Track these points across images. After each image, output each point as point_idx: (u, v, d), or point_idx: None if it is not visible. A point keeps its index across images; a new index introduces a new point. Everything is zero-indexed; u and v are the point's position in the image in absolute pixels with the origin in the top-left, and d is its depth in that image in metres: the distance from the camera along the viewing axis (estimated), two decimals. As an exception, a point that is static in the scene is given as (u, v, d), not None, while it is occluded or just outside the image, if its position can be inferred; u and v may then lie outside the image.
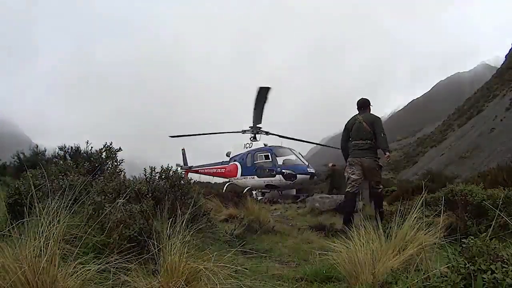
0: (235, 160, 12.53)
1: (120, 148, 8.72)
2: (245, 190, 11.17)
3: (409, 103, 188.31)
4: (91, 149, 8.38)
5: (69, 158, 8.19)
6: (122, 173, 7.31)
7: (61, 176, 4.20)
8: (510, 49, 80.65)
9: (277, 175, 10.52)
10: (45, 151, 11.79)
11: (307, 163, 10.46)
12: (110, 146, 7.84)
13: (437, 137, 70.73)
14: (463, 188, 4.80)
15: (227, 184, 12.33)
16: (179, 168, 15.67)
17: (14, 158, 11.74)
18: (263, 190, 11.71)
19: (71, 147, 8.91)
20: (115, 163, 7.51)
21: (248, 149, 12.28)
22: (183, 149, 18.61)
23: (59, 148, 9.26)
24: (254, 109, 10.54)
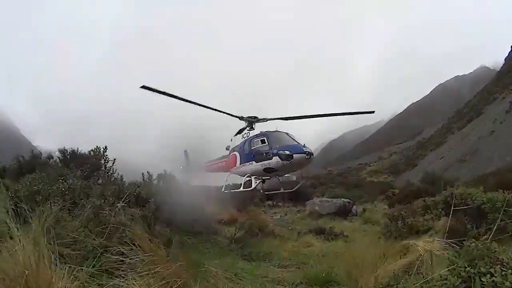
0: (234, 151, 12.64)
1: (113, 161, 8.77)
2: (245, 177, 11.29)
3: (408, 106, 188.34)
4: (89, 153, 8.45)
5: (67, 161, 8.23)
6: (120, 176, 7.34)
7: (60, 180, 4.20)
8: (509, 52, 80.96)
9: (273, 157, 10.66)
10: (41, 154, 11.84)
11: (303, 144, 10.57)
12: (98, 148, 7.88)
13: (437, 140, 70.66)
14: (463, 192, 4.80)
15: (227, 176, 12.40)
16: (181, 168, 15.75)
17: (13, 161, 11.75)
18: (263, 178, 11.80)
19: (67, 150, 8.96)
20: (112, 167, 7.54)
21: (245, 138, 12.42)
22: (185, 151, 18.65)
23: (59, 151, 9.31)
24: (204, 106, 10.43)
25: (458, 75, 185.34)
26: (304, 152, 10.37)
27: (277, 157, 10.56)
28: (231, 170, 12.70)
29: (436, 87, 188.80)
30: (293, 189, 12.69)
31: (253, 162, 11.40)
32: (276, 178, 12.35)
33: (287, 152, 10.47)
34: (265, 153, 10.85)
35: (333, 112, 10.42)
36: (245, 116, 11.91)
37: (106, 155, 8.33)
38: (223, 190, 11.76)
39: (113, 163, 8.10)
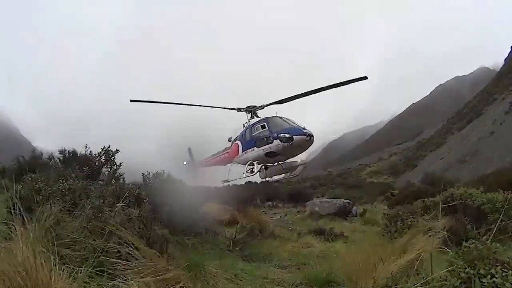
0: (236, 140, 12.76)
1: (117, 150, 8.80)
2: (247, 164, 11.44)
3: (408, 107, 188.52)
4: (89, 153, 8.44)
5: (69, 162, 8.22)
6: (122, 177, 7.32)
7: (60, 180, 4.20)
8: (509, 53, 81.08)
9: (274, 141, 10.83)
10: (42, 154, 11.84)
11: (303, 126, 10.75)
12: (108, 149, 7.85)
13: (437, 140, 70.66)
14: (462, 192, 4.80)
15: (230, 166, 12.53)
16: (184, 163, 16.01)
17: (13, 161, 11.75)
18: (266, 164, 11.92)
19: (69, 151, 8.96)
20: (114, 167, 7.52)
21: (246, 126, 12.57)
22: (189, 149, 18.78)
23: (58, 152, 9.31)
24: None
25: (458, 76, 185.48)
26: (304, 134, 10.52)
27: (278, 140, 10.71)
28: (234, 159, 12.81)
29: (436, 87, 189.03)
30: (297, 175, 12.81)
31: (255, 148, 11.52)
32: (279, 165, 12.45)
33: (288, 135, 10.60)
34: (266, 137, 11.01)
35: (327, 85, 10.32)
36: (242, 107, 11.98)
37: (114, 158, 8.35)
38: (226, 178, 11.86)
39: (118, 167, 8.12)
